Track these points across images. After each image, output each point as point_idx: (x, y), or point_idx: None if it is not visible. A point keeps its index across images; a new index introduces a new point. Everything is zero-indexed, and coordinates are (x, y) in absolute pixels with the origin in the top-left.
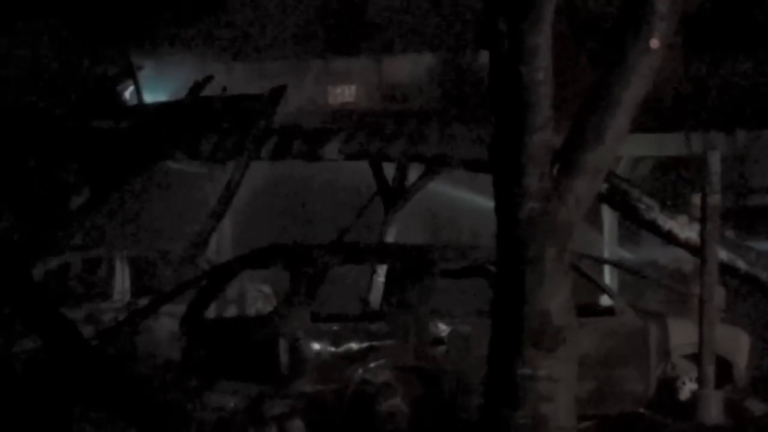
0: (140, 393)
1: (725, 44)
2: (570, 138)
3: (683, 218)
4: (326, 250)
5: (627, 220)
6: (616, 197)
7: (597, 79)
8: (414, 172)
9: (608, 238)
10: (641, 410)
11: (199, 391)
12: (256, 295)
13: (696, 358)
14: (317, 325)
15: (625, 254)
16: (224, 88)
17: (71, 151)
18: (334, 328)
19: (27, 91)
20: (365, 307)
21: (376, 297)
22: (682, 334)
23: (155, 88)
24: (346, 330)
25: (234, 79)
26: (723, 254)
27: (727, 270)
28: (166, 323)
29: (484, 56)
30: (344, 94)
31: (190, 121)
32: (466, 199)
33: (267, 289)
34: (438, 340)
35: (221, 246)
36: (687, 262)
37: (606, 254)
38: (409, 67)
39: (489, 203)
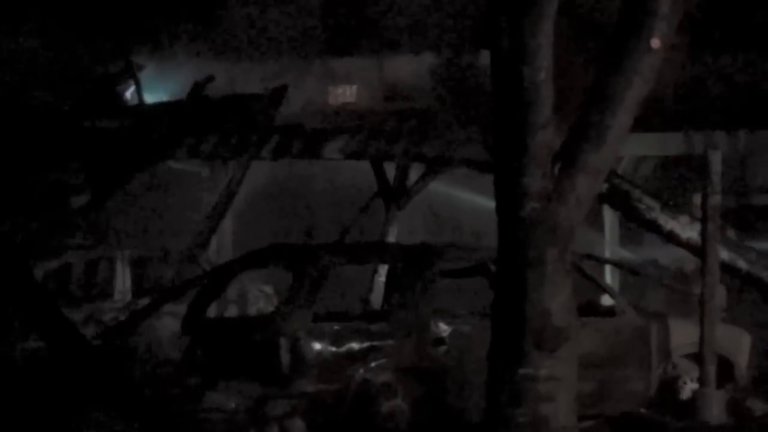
0: (141, 393)
1: (726, 44)
2: (571, 138)
3: (684, 218)
4: (327, 250)
5: (628, 220)
6: (617, 197)
7: (598, 79)
8: (415, 172)
9: (609, 238)
10: (642, 410)
11: (201, 391)
12: (257, 295)
13: (697, 358)
14: (318, 325)
15: (626, 254)
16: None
17: (72, 151)
18: (336, 328)
19: (27, 91)
20: (366, 307)
21: (377, 297)
22: (684, 334)
23: (156, 88)
24: (348, 330)
25: (235, 79)
26: (724, 254)
27: (728, 270)
28: (169, 323)
29: (485, 56)
30: (345, 94)
31: (191, 121)
32: (467, 199)
33: (268, 289)
34: (439, 340)
35: (221, 246)
36: (688, 261)
37: (607, 254)
38: (410, 67)
39: (490, 203)
